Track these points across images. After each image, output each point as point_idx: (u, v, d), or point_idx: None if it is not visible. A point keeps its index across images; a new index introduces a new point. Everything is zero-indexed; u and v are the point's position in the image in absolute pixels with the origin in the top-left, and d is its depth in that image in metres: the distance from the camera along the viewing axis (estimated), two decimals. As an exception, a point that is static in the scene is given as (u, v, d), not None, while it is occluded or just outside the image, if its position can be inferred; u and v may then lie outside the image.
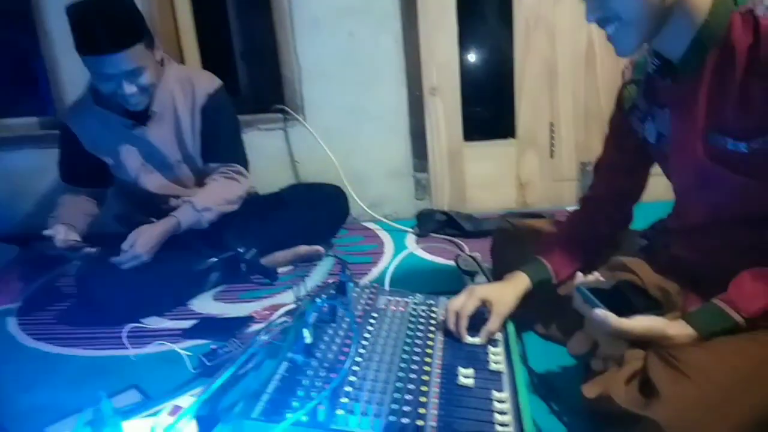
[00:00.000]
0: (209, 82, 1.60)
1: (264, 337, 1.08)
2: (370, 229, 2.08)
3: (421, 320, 1.11)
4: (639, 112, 1.04)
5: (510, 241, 1.34)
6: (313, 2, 1.98)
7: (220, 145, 1.62)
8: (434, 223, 1.94)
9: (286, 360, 0.97)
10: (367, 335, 1.04)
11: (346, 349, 0.99)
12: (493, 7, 2.15)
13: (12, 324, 1.52)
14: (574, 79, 1.99)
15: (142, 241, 1.42)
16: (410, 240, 1.93)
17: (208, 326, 1.33)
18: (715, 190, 0.93)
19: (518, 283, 1.10)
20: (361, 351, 0.98)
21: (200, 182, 1.66)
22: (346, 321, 1.09)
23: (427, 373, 0.93)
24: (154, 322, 1.43)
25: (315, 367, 0.94)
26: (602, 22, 0.89)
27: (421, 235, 1.94)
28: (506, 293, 1.09)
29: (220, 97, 1.60)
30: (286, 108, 2.09)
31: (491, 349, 1.02)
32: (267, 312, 1.43)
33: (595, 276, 0.96)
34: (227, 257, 1.58)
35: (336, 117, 2.09)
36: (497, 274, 1.39)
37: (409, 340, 1.03)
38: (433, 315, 1.13)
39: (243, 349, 1.16)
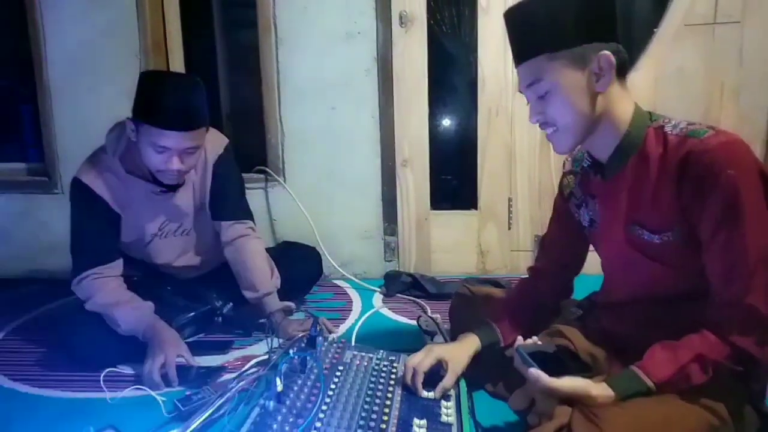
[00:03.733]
0: (219, 141, 1.67)
1: (238, 385, 1.18)
2: (340, 286, 2.20)
3: (383, 375, 1.23)
4: (576, 199, 1.23)
5: (467, 304, 1.48)
6: (299, 75, 2.18)
7: (231, 201, 1.69)
8: (400, 284, 2.08)
9: (258, 406, 1.07)
10: (332, 386, 1.16)
11: (313, 398, 1.10)
12: (460, 94, 2.40)
13: (-12, 365, 1.56)
14: (530, 160, 2.20)
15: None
16: (377, 299, 2.06)
17: (183, 375, 1.41)
18: (635, 272, 1.10)
19: (470, 344, 1.23)
20: (327, 400, 1.09)
21: (203, 247, 1.73)
22: (315, 372, 1.20)
23: (385, 422, 1.04)
24: (131, 368, 1.49)
25: (284, 413, 1.04)
26: (543, 126, 1.08)
27: (388, 294, 2.07)
28: (460, 353, 1.21)
29: (229, 154, 1.69)
30: (268, 170, 2.24)
31: (444, 403, 1.14)
32: (239, 362, 1.52)
33: (534, 340, 1.11)
34: (204, 311, 1.67)
35: (314, 181, 2.25)
36: (454, 334, 1.52)
37: (370, 392, 1.14)
38: (393, 371, 1.25)
39: (217, 395, 1.24)
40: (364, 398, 1.12)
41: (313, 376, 1.19)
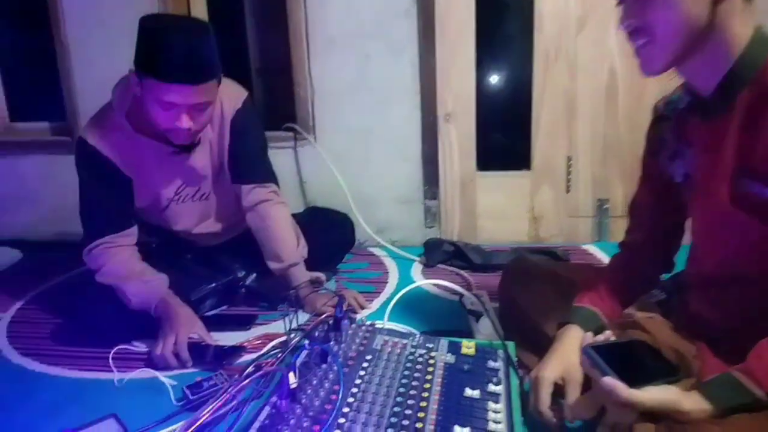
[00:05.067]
0: (237, 94, 1.48)
1: (250, 378, 1.02)
2: (375, 255, 2.02)
3: (418, 366, 1.04)
4: (667, 150, 0.98)
5: (522, 279, 1.27)
6: (329, 22, 1.95)
7: (251, 162, 1.53)
8: (442, 254, 1.88)
9: (268, 404, 0.91)
10: (358, 381, 0.98)
11: (334, 397, 0.93)
12: (513, 36, 2.10)
13: (0, 336, 1.48)
14: (594, 111, 1.93)
15: None
16: (416, 269, 1.87)
17: (198, 354, 1.27)
18: (739, 241, 0.85)
19: (574, 339, 0.97)
20: (350, 400, 0.92)
21: (225, 212, 1.58)
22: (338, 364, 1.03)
23: (419, 430, 0.86)
24: (145, 345, 1.38)
25: (299, 414, 0.88)
26: (634, 34, 0.83)
27: (428, 265, 1.88)
28: (570, 357, 0.95)
29: (248, 109, 1.50)
30: (297, 127, 2.06)
31: (491, 405, 0.95)
32: (259, 342, 1.37)
33: (605, 335, 0.89)
34: (226, 282, 1.53)
35: (347, 139, 2.05)
36: (504, 313, 1.33)
37: (403, 390, 0.96)
38: (432, 362, 1.06)
39: (228, 384, 1.10)
40: (394, 398, 0.94)
41: (335, 367, 1.01)
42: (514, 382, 1.02)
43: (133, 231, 1.45)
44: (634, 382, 0.78)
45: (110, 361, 1.27)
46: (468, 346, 1.11)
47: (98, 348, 1.35)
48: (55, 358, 1.35)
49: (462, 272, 1.79)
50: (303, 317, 1.45)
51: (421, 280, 1.76)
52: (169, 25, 1.27)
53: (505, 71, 2.18)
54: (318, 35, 1.97)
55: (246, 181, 1.53)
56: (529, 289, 1.23)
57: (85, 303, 1.45)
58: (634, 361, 0.84)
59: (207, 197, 1.54)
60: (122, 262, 1.39)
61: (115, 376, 1.23)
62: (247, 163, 1.53)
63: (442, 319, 1.45)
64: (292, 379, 0.90)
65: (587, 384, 0.88)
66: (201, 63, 1.25)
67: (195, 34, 1.25)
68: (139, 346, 1.37)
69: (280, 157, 2.09)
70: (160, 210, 1.50)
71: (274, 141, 2.08)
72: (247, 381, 1.02)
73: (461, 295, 1.41)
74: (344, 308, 1.16)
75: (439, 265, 1.87)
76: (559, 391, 0.92)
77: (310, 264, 1.58)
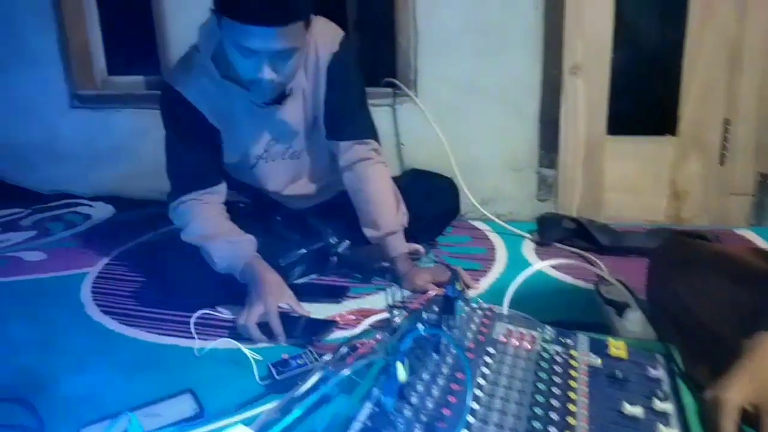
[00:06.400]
0: (333, 35, 1.30)
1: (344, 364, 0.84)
2: (479, 228, 1.78)
3: (557, 367, 0.81)
4: None
5: (685, 266, 0.99)
6: (441, -42, 1.71)
7: (351, 115, 1.35)
8: (560, 231, 1.61)
9: (370, 401, 0.72)
10: (481, 380, 0.77)
11: (452, 398, 0.72)
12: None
13: (85, 291, 1.42)
14: (764, 66, 1.55)
15: None
16: (527, 247, 1.61)
17: (286, 326, 1.12)
18: None
19: None
20: (473, 405, 0.71)
21: (318, 172, 1.42)
22: (453, 354, 0.82)
23: (569, 454, 0.64)
24: (230, 312, 1.25)
25: (410, 417, 0.68)
26: None
27: (542, 243, 1.62)
28: (767, 377, 0.72)
29: (347, 53, 1.32)
30: (397, 82, 1.85)
31: (661, 428, 0.70)
32: (353, 317, 1.20)
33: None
34: (317, 248, 1.37)
35: (452, 94, 1.81)
36: (656, 308, 1.06)
37: (541, 398, 0.74)
38: (573, 363, 0.83)
39: (318, 365, 0.93)
40: (530, 407, 0.72)
41: (450, 359, 0.81)
42: (687, 398, 0.77)
43: (222, 188, 1.32)
44: None
45: (191, 327, 1.15)
46: (617, 346, 0.87)
47: (180, 312, 1.24)
48: (135, 318, 1.26)
49: (586, 254, 1.51)
50: (401, 294, 1.25)
51: (536, 260, 1.51)
52: None
53: (651, 11, 1.81)
54: (427, -27, 1.73)
55: (344, 137, 1.35)
56: (697, 281, 0.95)
57: (170, 263, 1.35)
58: None
59: (298, 155, 1.38)
60: (208, 220, 1.27)
61: (196, 344, 1.11)
62: (345, 116, 1.34)
63: (570, 308, 1.20)
64: (402, 373, 0.71)
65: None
66: (283, 2, 1.07)
67: None
68: (224, 313, 1.25)
69: (376, 115, 1.87)
70: (248, 168, 1.36)
71: (371, 98, 1.86)
72: (343, 365, 0.83)
73: (598, 282, 1.15)
74: (457, 287, 0.94)
75: (555, 244, 1.61)
76: (748, 420, 0.68)
77: (408, 233, 1.39)
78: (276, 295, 1.15)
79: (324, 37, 1.28)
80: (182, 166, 1.30)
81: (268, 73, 1.12)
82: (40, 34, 2.23)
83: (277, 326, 1.10)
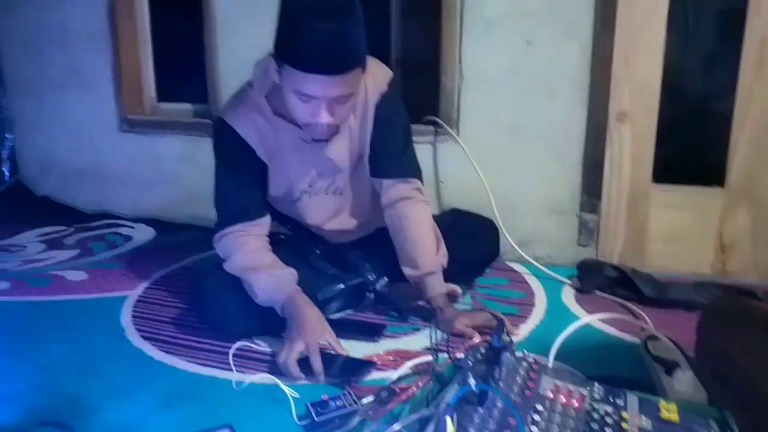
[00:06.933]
0: (382, 76, 1.31)
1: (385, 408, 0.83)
2: (516, 271, 1.76)
3: (607, 429, 0.78)
4: None
5: (738, 325, 0.95)
6: (489, 2, 1.73)
7: (396, 154, 1.36)
8: (602, 278, 1.57)
9: (416, 456, 0.71)
10: (530, 439, 0.75)
11: (501, 459, 0.70)
12: (715, 19, 1.73)
13: (126, 314, 1.44)
14: (820, 119, 1.51)
15: None
16: (567, 294, 1.58)
17: (324, 364, 1.11)
18: None
19: None
20: (524, 468, 0.69)
21: (359, 208, 1.43)
22: (498, 408, 0.80)
23: None
24: (268, 345, 1.25)
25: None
26: None
27: (583, 290, 1.58)
28: None
29: (395, 93, 1.33)
30: (439, 120, 1.86)
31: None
32: (391, 358, 1.18)
33: None
34: (355, 284, 1.37)
35: (494, 135, 1.81)
36: (705, 367, 1.02)
37: (593, 463, 0.71)
38: (625, 425, 0.79)
39: (360, 410, 0.92)
40: (583, 472, 0.69)
41: (496, 413, 0.79)
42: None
43: (266, 221, 1.34)
44: None
45: (230, 358, 1.15)
46: (668, 409, 0.84)
47: (219, 342, 1.25)
48: (174, 346, 1.26)
49: (629, 304, 1.47)
50: (440, 336, 1.23)
51: (576, 307, 1.48)
52: (311, 4, 1.09)
53: (702, 61, 1.79)
54: (474, 15, 1.75)
55: (387, 175, 1.36)
56: (752, 341, 0.92)
57: (203, 291, 1.35)
58: None
59: (341, 192, 1.39)
60: (252, 252, 1.28)
61: (234, 376, 1.10)
62: (390, 155, 1.35)
63: (615, 363, 1.16)
64: (450, 428, 0.69)
65: None
66: (345, 50, 1.08)
67: (340, 15, 1.07)
68: (262, 346, 1.25)
69: (417, 152, 1.90)
70: (291, 201, 1.37)
71: (413, 135, 1.91)
72: (383, 410, 0.82)
73: (646, 337, 1.11)
74: (503, 336, 0.93)
75: (597, 292, 1.57)
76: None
77: (446, 274, 1.37)
78: (317, 333, 1.14)
79: (374, 77, 1.30)
80: (229, 198, 1.32)
81: (325, 118, 1.14)
82: (96, 58, 2.33)
83: (317, 366, 1.09)
